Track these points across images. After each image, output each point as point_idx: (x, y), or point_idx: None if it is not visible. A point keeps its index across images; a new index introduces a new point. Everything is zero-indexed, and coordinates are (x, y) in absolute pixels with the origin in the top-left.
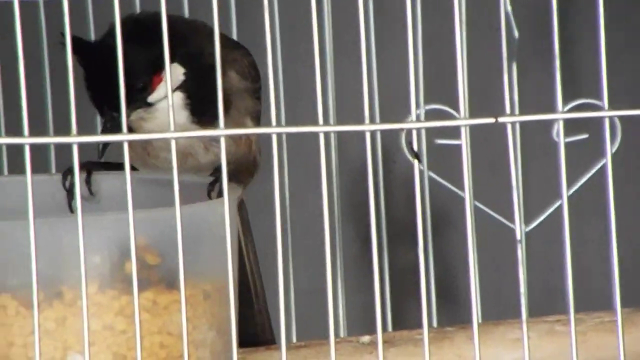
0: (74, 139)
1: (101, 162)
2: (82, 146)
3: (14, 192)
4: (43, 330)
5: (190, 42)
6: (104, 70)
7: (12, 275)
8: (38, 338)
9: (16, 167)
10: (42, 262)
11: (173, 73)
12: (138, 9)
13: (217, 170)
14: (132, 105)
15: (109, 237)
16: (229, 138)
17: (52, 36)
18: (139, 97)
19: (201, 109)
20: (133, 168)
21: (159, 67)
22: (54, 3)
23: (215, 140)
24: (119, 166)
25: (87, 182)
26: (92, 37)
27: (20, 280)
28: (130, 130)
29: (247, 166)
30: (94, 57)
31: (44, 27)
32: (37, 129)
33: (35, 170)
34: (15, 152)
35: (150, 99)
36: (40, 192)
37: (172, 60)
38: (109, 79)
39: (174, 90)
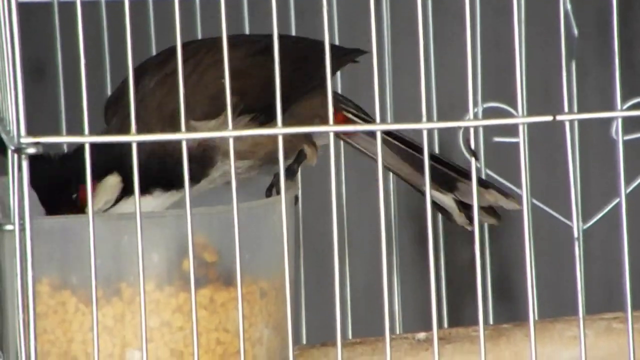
0: (134, 138)
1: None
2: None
3: None
4: (102, 327)
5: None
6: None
7: (72, 273)
8: (97, 334)
9: None
10: (101, 259)
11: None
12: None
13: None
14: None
15: (167, 235)
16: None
17: (114, 37)
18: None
19: None
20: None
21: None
22: (116, 3)
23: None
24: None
25: None
26: (153, 37)
27: (80, 278)
28: None
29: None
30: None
31: (105, 28)
32: (97, 128)
33: None
34: None
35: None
36: None
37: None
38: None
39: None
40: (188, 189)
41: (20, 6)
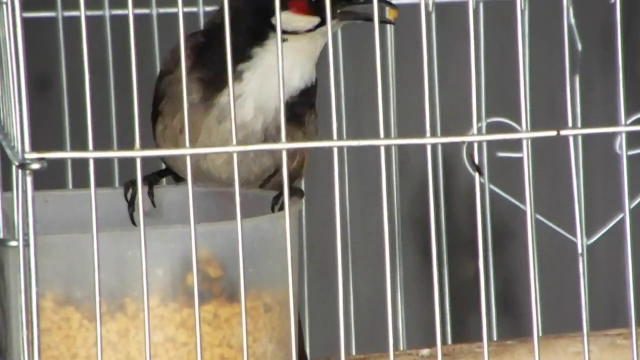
0: (138, 153)
1: (162, 173)
2: (144, 160)
3: (79, 205)
4: (106, 343)
5: None
6: None
7: (76, 288)
8: (101, 350)
9: (81, 180)
10: (105, 274)
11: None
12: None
13: (270, 178)
14: None
15: (171, 250)
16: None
17: (118, 50)
18: None
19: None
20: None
21: None
22: (120, 18)
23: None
24: (178, 178)
25: (150, 193)
26: (157, 52)
27: (83, 293)
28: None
29: (294, 175)
30: None
31: (109, 42)
32: (101, 143)
33: (99, 184)
34: (80, 166)
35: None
36: (104, 206)
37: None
38: None
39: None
40: (191, 187)
41: (24, 21)
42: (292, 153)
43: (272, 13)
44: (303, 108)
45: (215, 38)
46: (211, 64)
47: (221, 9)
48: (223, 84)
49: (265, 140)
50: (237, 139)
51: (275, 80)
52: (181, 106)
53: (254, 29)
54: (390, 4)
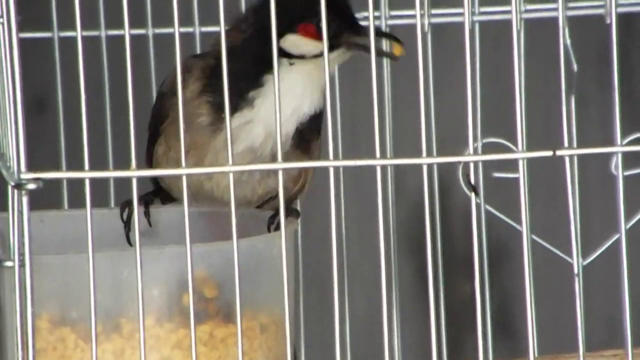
0: (134, 173)
1: (158, 193)
2: (140, 180)
3: (74, 225)
4: None
5: None
6: None
7: (72, 308)
8: None
9: (76, 200)
10: (101, 294)
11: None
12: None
13: (271, 199)
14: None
15: (167, 270)
16: (289, 177)
17: (114, 71)
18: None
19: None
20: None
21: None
22: (116, 38)
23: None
24: (171, 198)
25: (146, 213)
26: (153, 72)
27: (79, 313)
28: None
29: (293, 197)
30: None
31: (105, 62)
32: (97, 163)
33: (95, 204)
34: (76, 186)
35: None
36: (100, 226)
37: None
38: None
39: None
40: (187, 207)
41: (21, 41)
42: (296, 176)
43: (282, 36)
44: (311, 134)
45: (228, 62)
46: (221, 88)
47: (231, 32)
48: (234, 108)
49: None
50: (245, 162)
51: (288, 107)
52: (189, 128)
53: (265, 55)
54: (398, 40)
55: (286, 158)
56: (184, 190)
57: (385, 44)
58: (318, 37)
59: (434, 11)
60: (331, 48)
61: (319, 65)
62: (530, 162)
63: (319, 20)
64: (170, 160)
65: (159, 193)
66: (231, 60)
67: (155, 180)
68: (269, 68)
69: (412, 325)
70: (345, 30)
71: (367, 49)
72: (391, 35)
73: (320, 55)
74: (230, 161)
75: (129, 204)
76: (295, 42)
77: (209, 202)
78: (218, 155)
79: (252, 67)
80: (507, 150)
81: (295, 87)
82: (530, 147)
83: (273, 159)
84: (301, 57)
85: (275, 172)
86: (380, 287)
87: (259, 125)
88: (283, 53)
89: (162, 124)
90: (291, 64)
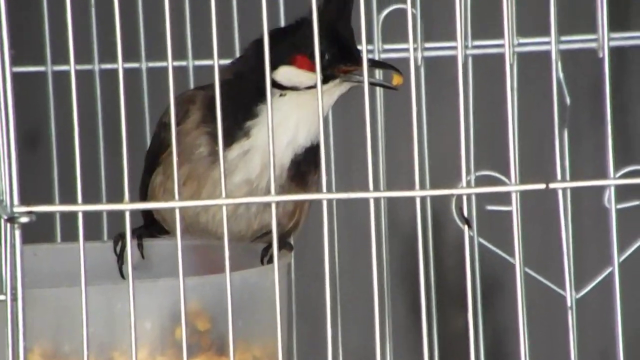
0: (127, 206)
1: (149, 226)
2: (133, 213)
3: (67, 259)
4: None
5: None
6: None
7: (65, 342)
8: None
9: (69, 234)
10: (94, 328)
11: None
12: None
13: (266, 235)
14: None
15: (160, 303)
16: (284, 213)
17: (107, 104)
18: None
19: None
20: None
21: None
22: (110, 72)
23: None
24: (163, 231)
25: (139, 245)
26: (146, 106)
27: (72, 347)
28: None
29: (289, 231)
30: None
31: (99, 96)
32: (90, 196)
33: (88, 237)
34: (69, 219)
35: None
36: (92, 259)
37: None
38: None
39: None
40: (180, 240)
41: (14, 75)
42: (290, 212)
43: (276, 68)
44: (308, 167)
45: (225, 93)
46: (221, 118)
47: (232, 65)
48: (231, 139)
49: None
50: (242, 193)
51: (283, 137)
52: (188, 158)
53: (260, 87)
54: (396, 70)
55: (282, 191)
56: (177, 222)
57: (378, 74)
58: (312, 68)
59: (427, 44)
60: (326, 79)
61: (313, 97)
62: (523, 194)
63: (312, 51)
64: (167, 191)
65: (151, 225)
66: (228, 91)
67: (147, 211)
68: (263, 98)
69: (405, 358)
70: (342, 61)
71: (363, 81)
72: (389, 65)
73: (314, 86)
74: (224, 194)
75: (122, 237)
76: (287, 73)
77: (203, 235)
78: (216, 186)
79: (248, 98)
80: (500, 183)
81: (288, 118)
82: (523, 180)
83: (270, 191)
84: (294, 88)
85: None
86: (373, 320)
87: (256, 155)
88: (277, 85)
89: (162, 154)
90: (281, 95)
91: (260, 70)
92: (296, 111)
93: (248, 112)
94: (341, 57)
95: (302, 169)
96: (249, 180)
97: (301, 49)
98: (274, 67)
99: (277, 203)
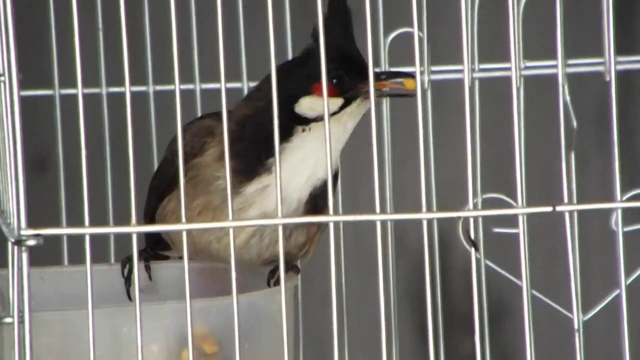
0: (134, 229)
1: (157, 246)
2: (140, 235)
3: (74, 281)
4: None
5: None
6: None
7: None
8: None
9: (76, 256)
10: (100, 351)
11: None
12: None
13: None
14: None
15: (167, 326)
16: (295, 245)
17: (115, 127)
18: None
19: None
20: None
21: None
22: (117, 95)
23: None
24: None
25: (147, 267)
26: (153, 129)
27: None
28: None
29: (298, 257)
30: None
31: (106, 119)
32: (97, 219)
33: (95, 260)
34: (76, 242)
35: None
36: (99, 282)
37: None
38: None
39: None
40: (187, 268)
41: (22, 99)
42: (302, 245)
43: (296, 101)
44: (324, 201)
45: (247, 128)
46: (242, 154)
47: (248, 101)
48: (252, 174)
49: (284, 231)
50: (256, 227)
51: (305, 173)
52: (205, 190)
53: (281, 124)
54: (410, 76)
55: (295, 227)
56: (184, 245)
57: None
58: (334, 93)
59: (433, 68)
60: (348, 102)
61: (339, 123)
62: (531, 217)
63: (333, 76)
64: (179, 218)
65: (158, 243)
66: (251, 126)
67: (152, 234)
68: (284, 136)
69: None
70: (359, 79)
71: (384, 94)
72: (402, 73)
73: (338, 111)
74: (230, 216)
75: (129, 260)
76: (310, 103)
77: (213, 259)
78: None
79: (270, 134)
80: (507, 205)
81: (310, 154)
82: (530, 203)
83: (287, 227)
84: (319, 118)
85: (284, 240)
86: (380, 343)
87: (274, 190)
88: (300, 118)
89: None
90: (304, 131)
91: (279, 105)
92: (317, 145)
93: (271, 149)
94: (358, 76)
95: (319, 203)
96: (265, 214)
97: (319, 76)
98: (294, 101)
99: (290, 235)
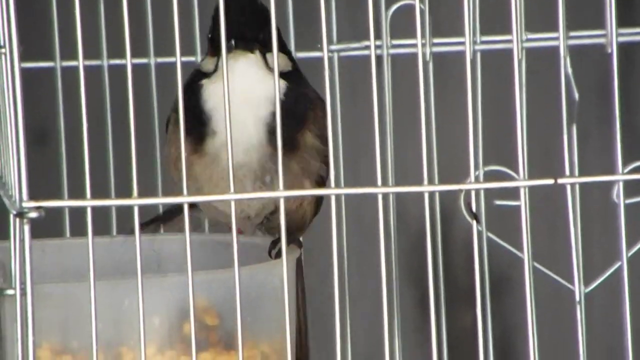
0: (135, 201)
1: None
2: (142, 208)
3: (76, 254)
4: None
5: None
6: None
7: (73, 337)
8: None
9: (78, 229)
10: (102, 323)
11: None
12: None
13: (271, 215)
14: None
15: (168, 299)
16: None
17: (116, 99)
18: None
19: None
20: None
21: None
22: (118, 67)
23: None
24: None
25: (159, 226)
26: (155, 101)
27: (80, 342)
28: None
29: (297, 221)
30: None
31: (107, 91)
32: (99, 191)
33: (96, 232)
34: (77, 214)
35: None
36: (101, 255)
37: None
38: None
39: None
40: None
41: (23, 71)
42: (290, 186)
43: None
44: (289, 131)
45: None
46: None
47: None
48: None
49: (263, 173)
50: (237, 177)
51: (242, 115)
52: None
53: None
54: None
55: (275, 173)
56: (185, 217)
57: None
58: (212, 53)
59: (435, 40)
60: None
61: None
62: (532, 190)
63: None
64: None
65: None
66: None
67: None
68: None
69: (413, 355)
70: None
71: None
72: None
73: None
74: (232, 189)
75: (147, 224)
76: (205, 63)
77: (218, 215)
78: (205, 167)
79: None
80: (509, 178)
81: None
82: (531, 175)
83: (261, 168)
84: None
85: (270, 182)
86: (381, 316)
87: (221, 137)
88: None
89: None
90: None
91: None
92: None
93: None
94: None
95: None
96: (238, 163)
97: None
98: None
99: (271, 181)
